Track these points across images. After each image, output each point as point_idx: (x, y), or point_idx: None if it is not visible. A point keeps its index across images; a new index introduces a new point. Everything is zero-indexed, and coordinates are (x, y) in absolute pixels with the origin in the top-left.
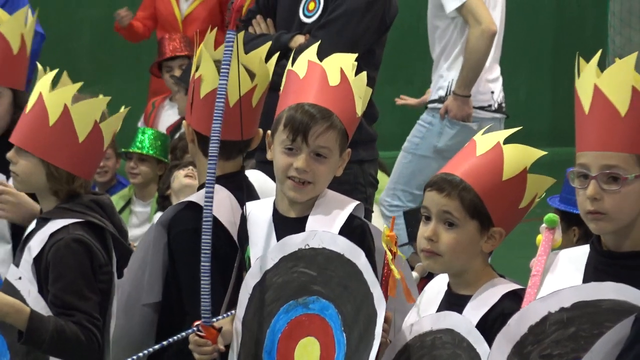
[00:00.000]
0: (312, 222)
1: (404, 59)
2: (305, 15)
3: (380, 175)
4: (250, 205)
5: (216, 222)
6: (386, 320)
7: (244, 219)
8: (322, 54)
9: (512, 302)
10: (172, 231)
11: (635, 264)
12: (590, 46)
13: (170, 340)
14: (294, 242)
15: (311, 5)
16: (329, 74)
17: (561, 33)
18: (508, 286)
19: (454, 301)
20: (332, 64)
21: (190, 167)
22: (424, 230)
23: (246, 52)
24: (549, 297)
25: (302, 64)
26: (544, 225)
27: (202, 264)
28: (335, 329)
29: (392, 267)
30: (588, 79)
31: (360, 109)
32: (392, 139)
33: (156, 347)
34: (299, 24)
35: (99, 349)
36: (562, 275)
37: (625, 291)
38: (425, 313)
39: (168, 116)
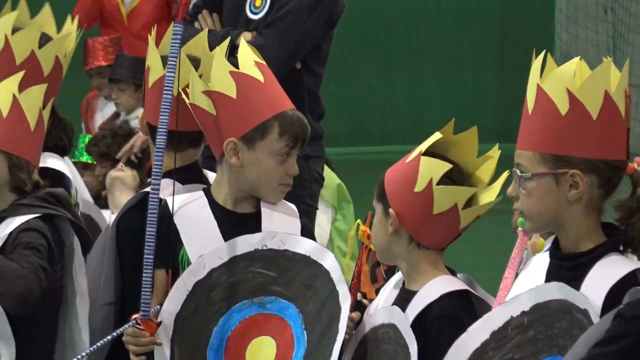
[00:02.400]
0: (266, 219)
1: (351, 56)
2: (252, 12)
3: (327, 172)
4: (178, 201)
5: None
6: (352, 319)
7: (169, 216)
8: (269, 52)
9: (450, 301)
10: (119, 229)
11: (573, 264)
12: (536, 43)
13: (109, 337)
14: (250, 242)
15: (258, 2)
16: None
17: (507, 30)
18: (449, 285)
19: (404, 296)
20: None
21: (120, 164)
22: None
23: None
24: (511, 301)
25: (251, 66)
26: (519, 228)
27: (145, 257)
28: (296, 328)
29: (364, 261)
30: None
31: None
32: (338, 136)
33: (98, 344)
34: (246, 21)
35: (40, 297)
36: (530, 279)
37: (565, 290)
38: (383, 305)
39: (105, 113)
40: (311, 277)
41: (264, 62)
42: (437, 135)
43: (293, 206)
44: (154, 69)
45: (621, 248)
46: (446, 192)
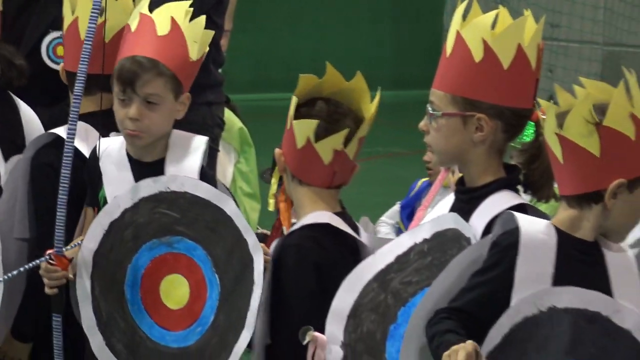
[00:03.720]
0: (169, 166)
1: (257, 9)
2: None
3: (230, 117)
4: (104, 143)
5: (78, 155)
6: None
7: (96, 157)
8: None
9: (302, 232)
10: (34, 165)
11: (468, 197)
12: None
13: (21, 269)
14: (155, 184)
15: None
16: (157, 24)
17: None
18: (314, 219)
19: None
20: (163, 14)
21: None
22: None
23: None
24: (417, 229)
25: (134, 17)
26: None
27: (60, 196)
28: (206, 269)
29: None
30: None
31: (195, 53)
32: (244, 84)
33: (8, 275)
34: None
35: None
36: (438, 210)
37: (457, 220)
38: None
39: None
40: (214, 221)
41: (149, 14)
42: (295, 100)
43: (202, 139)
44: (66, 17)
45: (522, 189)
46: (300, 125)
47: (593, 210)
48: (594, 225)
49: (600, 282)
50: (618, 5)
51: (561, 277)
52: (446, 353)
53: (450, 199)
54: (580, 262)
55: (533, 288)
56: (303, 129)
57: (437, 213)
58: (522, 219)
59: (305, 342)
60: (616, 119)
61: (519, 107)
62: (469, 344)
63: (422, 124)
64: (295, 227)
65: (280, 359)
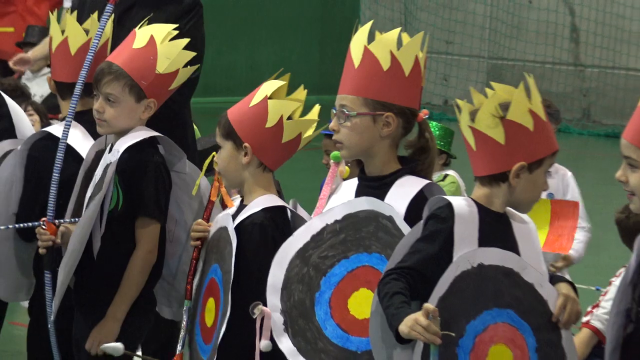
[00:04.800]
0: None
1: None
2: None
3: None
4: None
5: (70, 148)
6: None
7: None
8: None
9: (263, 214)
10: (28, 154)
11: (378, 184)
12: (348, 19)
13: (16, 225)
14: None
15: None
16: (137, 38)
17: (326, 7)
18: (269, 202)
19: (240, 208)
20: (145, 31)
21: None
22: None
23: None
24: (327, 212)
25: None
26: (332, 160)
27: (54, 174)
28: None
29: (221, 188)
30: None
31: (163, 67)
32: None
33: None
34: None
35: None
36: (341, 197)
37: (372, 202)
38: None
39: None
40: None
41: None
42: (276, 83)
43: (148, 132)
44: (55, 37)
45: None
46: (275, 105)
47: (501, 188)
48: (503, 200)
49: (510, 245)
50: (500, 26)
51: (483, 240)
52: (408, 326)
53: (347, 187)
54: (495, 229)
55: (467, 248)
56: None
57: (341, 199)
58: (450, 197)
59: (255, 316)
60: (517, 113)
61: (413, 108)
62: (424, 309)
63: (332, 125)
64: (255, 208)
65: (240, 327)
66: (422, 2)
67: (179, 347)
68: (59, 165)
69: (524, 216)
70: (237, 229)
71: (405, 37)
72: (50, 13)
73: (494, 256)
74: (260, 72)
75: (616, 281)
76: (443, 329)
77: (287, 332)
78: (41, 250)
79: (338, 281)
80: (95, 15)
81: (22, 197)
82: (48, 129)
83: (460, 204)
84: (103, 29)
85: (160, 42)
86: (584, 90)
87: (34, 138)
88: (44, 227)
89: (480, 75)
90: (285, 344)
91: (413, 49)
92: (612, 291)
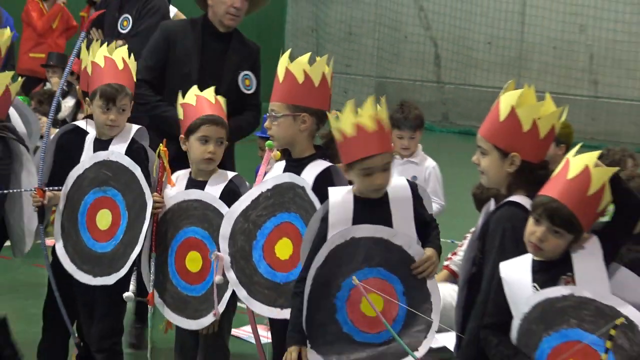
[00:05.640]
0: (112, 145)
1: None
2: (121, 29)
3: None
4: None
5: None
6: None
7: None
8: (134, 50)
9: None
10: (57, 141)
11: (297, 164)
12: (275, 49)
13: (22, 190)
14: (101, 155)
15: (125, 23)
16: (117, 62)
17: (259, 40)
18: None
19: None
20: (117, 55)
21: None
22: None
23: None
24: (262, 184)
25: (100, 58)
26: (267, 147)
27: (41, 147)
28: (121, 207)
29: (166, 166)
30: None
31: (135, 77)
32: None
33: (16, 190)
34: (118, 34)
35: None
36: (274, 173)
37: (292, 176)
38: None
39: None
40: (131, 179)
41: (110, 56)
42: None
43: (133, 128)
44: (84, 60)
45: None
46: None
47: (354, 181)
48: (357, 189)
49: (384, 220)
50: (384, 54)
51: (357, 220)
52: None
53: (279, 166)
54: (367, 210)
55: (341, 228)
56: None
57: (275, 174)
58: (332, 190)
59: (212, 260)
60: (345, 125)
61: (323, 109)
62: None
63: (266, 124)
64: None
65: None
66: (328, 37)
67: (150, 287)
68: (50, 149)
69: (401, 191)
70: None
71: (317, 59)
72: (82, 44)
73: (365, 230)
74: None
75: (469, 237)
76: (324, 290)
77: (232, 269)
78: (34, 209)
79: (268, 233)
80: (114, 44)
81: (51, 172)
82: (76, 122)
83: (337, 194)
84: (79, 49)
85: (128, 61)
86: (443, 100)
87: (64, 129)
88: (34, 192)
89: (370, 89)
90: (231, 277)
91: (320, 67)
92: (465, 244)
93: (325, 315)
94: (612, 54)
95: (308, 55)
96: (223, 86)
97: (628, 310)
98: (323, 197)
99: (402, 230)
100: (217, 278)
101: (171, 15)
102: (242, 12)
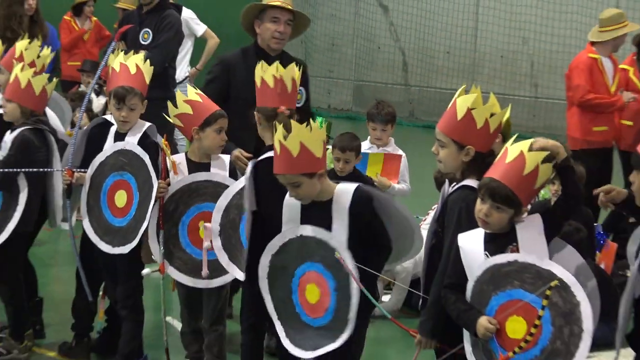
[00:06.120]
0: (127, 137)
1: None
2: (143, 41)
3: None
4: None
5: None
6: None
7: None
8: (154, 60)
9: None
10: (89, 132)
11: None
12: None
13: (47, 169)
14: (119, 144)
15: (145, 35)
16: (129, 67)
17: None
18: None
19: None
20: (131, 61)
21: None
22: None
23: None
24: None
25: (116, 64)
26: None
27: (72, 141)
28: (134, 188)
29: (168, 157)
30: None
31: (148, 80)
32: None
33: (44, 170)
34: (140, 45)
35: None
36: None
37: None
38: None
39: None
40: (140, 164)
41: (125, 62)
42: None
43: (145, 125)
44: (111, 62)
45: None
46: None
47: None
48: None
49: (325, 222)
50: (361, 62)
51: (304, 220)
52: None
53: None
54: (315, 211)
55: (292, 224)
56: None
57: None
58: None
59: (201, 229)
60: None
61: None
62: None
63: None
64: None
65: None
66: (315, 47)
67: (160, 259)
68: (78, 138)
69: (343, 197)
70: None
71: (278, 65)
72: (111, 52)
73: (309, 230)
74: None
75: (431, 213)
76: (280, 274)
77: (220, 237)
78: (65, 185)
79: None
80: (131, 53)
81: (83, 157)
82: (105, 117)
83: (290, 200)
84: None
85: (142, 66)
86: (410, 100)
87: (95, 122)
88: (64, 172)
89: (349, 91)
90: (216, 244)
91: (290, 73)
92: (428, 219)
93: (284, 292)
94: (550, 62)
95: (293, 65)
96: None
97: (562, 273)
98: None
99: (338, 233)
100: (205, 244)
101: (192, 23)
102: (286, 35)
